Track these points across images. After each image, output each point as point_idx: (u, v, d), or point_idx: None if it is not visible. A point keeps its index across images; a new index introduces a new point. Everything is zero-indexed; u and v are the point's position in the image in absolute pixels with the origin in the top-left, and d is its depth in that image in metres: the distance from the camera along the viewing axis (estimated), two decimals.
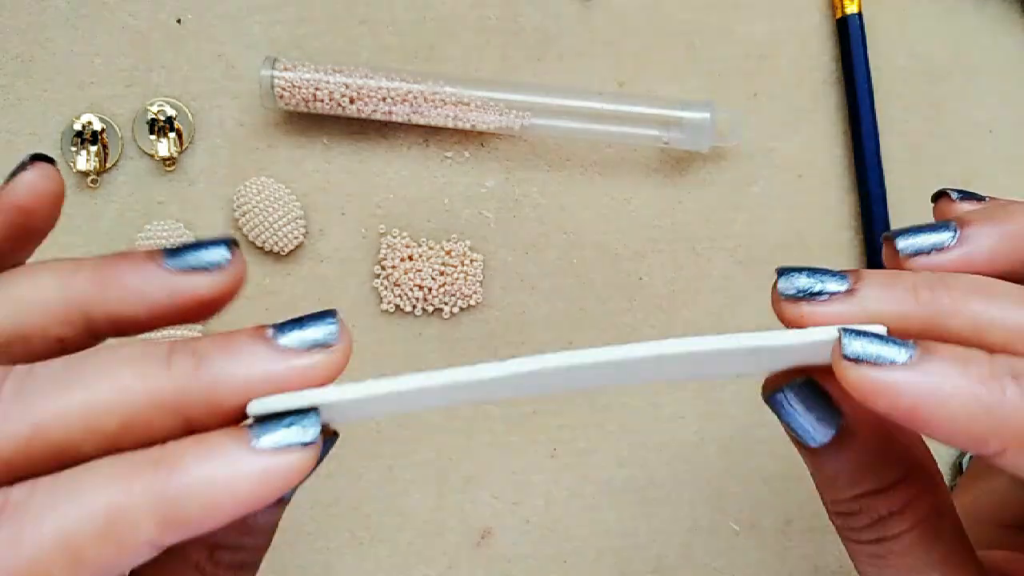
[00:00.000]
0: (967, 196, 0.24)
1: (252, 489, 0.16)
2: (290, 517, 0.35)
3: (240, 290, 0.19)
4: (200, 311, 0.19)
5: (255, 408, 0.17)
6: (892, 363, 0.17)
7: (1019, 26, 0.40)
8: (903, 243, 0.21)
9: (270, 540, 0.20)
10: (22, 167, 0.20)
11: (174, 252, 0.19)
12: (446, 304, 0.36)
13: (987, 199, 0.24)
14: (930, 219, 0.27)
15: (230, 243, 0.19)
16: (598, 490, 0.36)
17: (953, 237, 0.21)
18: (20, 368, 0.17)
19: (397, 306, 0.35)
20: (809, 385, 0.20)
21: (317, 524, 0.35)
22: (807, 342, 0.19)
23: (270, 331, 0.18)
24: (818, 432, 0.20)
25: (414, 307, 0.35)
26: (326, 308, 0.18)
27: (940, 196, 0.24)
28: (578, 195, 0.37)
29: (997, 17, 0.40)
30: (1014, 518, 0.26)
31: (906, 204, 0.38)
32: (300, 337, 0.17)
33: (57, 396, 0.16)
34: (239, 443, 0.16)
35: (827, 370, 0.20)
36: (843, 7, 0.38)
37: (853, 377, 0.17)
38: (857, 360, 0.17)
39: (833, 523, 0.22)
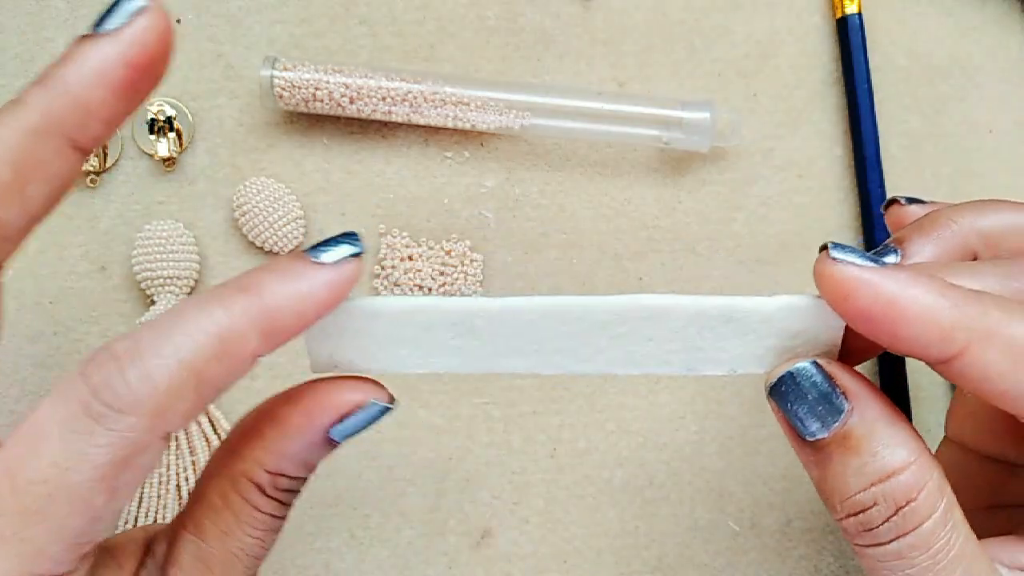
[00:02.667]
0: (913, 200, 0.28)
1: (326, 295, 0.20)
2: (290, 517, 0.35)
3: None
4: (147, 68, 0.19)
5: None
6: (872, 266, 0.20)
7: (1019, 26, 0.40)
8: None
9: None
10: (124, 14, 0.19)
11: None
12: None
13: (929, 203, 0.28)
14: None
15: None
16: (598, 490, 0.36)
17: (898, 257, 0.25)
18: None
19: None
20: (813, 368, 0.21)
21: (317, 524, 0.35)
22: (786, 306, 0.21)
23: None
24: (824, 421, 0.21)
25: None
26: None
27: (891, 203, 0.29)
28: (578, 195, 0.37)
29: (997, 17, 0.40)
30: (995, 499, 0.27)
31: None
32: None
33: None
34: (305, 263, 0.20)
35: (827, 354, 0.21)
36: (843, 7, 0.38)
37: (839, 271, 0.20)
38: (842, 261, 0.20)
39: (846, 530, 0.22)
